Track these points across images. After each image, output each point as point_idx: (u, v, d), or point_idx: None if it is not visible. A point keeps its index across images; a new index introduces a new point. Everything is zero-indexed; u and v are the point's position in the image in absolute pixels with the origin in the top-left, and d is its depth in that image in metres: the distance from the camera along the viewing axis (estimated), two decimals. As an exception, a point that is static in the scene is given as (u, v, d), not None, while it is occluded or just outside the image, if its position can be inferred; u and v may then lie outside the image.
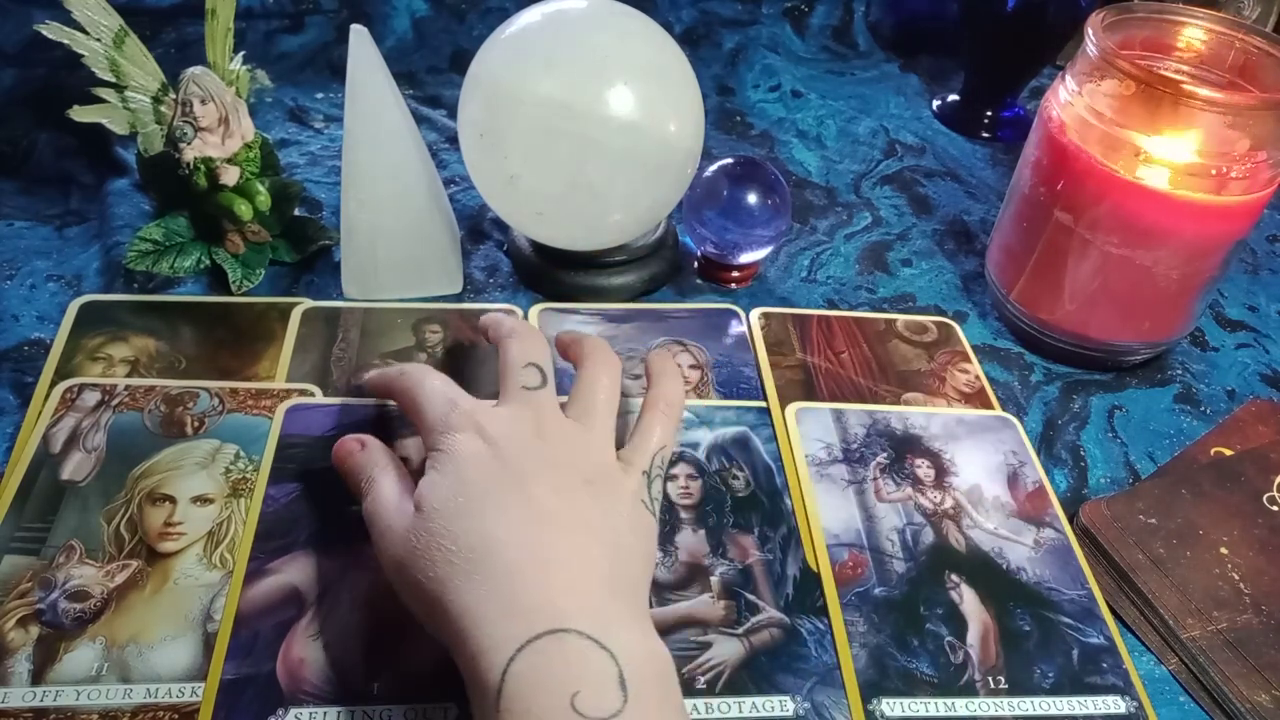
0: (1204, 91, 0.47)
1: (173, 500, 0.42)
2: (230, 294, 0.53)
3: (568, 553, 0.32)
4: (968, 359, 0.55)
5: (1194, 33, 0.53)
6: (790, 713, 0.37)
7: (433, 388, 0.38)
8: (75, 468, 0.43)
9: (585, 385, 0.40)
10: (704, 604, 0.41)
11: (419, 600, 0.33)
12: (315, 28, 0.74)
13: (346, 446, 0.40)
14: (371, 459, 0.38)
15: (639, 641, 0.30)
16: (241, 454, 0.44)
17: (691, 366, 0.52)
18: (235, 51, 0.53)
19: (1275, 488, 0.47)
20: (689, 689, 0.38)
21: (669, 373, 0.43)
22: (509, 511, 0.33)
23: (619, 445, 0.39)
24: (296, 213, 0.57)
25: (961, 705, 0.39)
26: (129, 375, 0.48)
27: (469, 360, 0.51)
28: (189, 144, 0.50)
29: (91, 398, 0.46)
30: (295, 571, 0.40)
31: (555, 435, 0.36)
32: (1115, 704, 0.39)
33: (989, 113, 0.79)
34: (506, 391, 0.39)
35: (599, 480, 0.35)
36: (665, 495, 0.45)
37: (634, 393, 0.50)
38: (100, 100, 0.51)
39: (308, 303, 0.53)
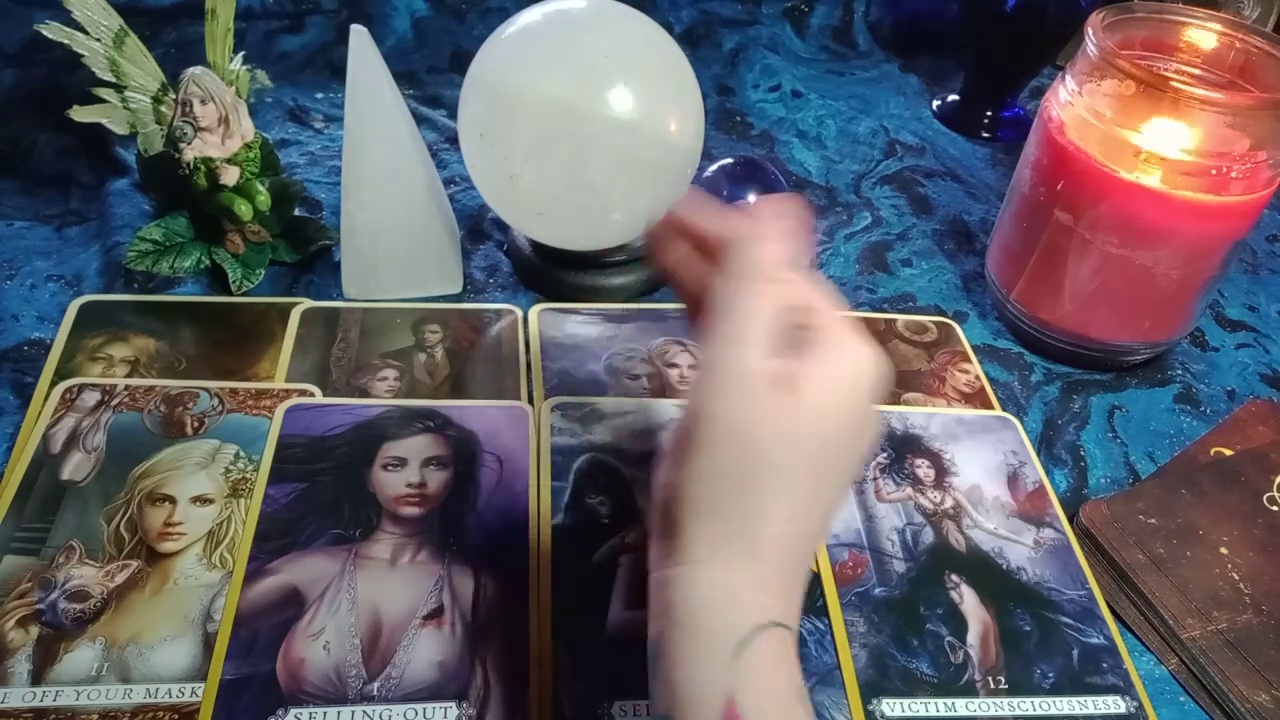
0: (1204, 91, 0.47)
1: (173, 500, 0.42)
2: (230, 294, 0.53)
3: (806, 561, 0.31)
4: (968, 359, 0.55)
5: (1194, 33, 0.53)
6: (790, 713, 0.37)
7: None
8: (75, 468, 0.43)
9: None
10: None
11: (707, 452, 0.29)
12: (315, 28, 0.74)
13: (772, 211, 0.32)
14: (776, 263, 0.31)
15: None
16: (241, 454, 0.44)
17: (691, 366, 0.52)
18: (235, 51, 0.53)
19: (1275, 488, 0.47)
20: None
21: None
22: (813, 512, 0.30)
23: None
24: (296, 213, 0.57)
25: (961, 705, 0.39)
26: (129, 375, 0.48)
27: (469, 360, 0.51)
28: (189, 144, 0.50)
29: (91, 398, 0.46)
30: (295, 571, 0.40)
31: (859, 455, 0.33)
32: (1115, 704, 0.39)
33: (989, 113, 0.79)
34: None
35: (842, 504, 0.35)
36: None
37: (635, 392, 0.50)
38: (100, 100, 0.51)
39: (308, 303, 0.53)
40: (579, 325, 0.54)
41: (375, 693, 0.36)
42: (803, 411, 0.29)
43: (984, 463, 0.48)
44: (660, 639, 0.29)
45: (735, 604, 0.28)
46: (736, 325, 0.30)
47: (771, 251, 0.32)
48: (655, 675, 0.29)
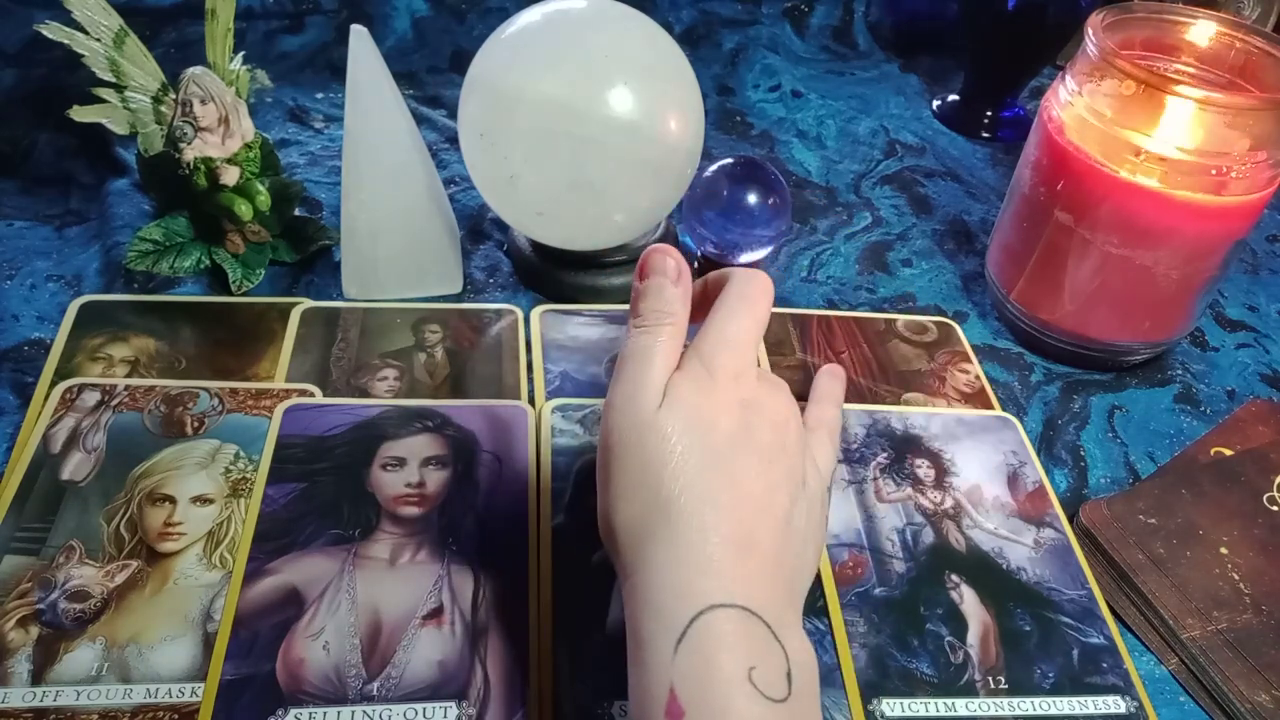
0: (1204, 92, 0.47)
1: (173, 500, 0.42)
2: (230, 294, 0.53)
3: (770, 547, 0.32)
4: (968, 359, 0.55)
5: (1194, 33, 0.53)
6: (790, 713, 0.37)
7: (745, 320, 0.35)
8: (75, 468, 0.43)
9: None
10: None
11: (626, 478, 0.32)
12: (315, 28, 0.74)
13: (661, 265, 0.36)
14: (671, 304, 0.35)
15: (802, 644, 0.31)
16: (241, 454, 0.44)
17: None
18: (235, 51, 0.53)
19: (1275, 488, 0.47)
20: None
21: (831, 400, 0.43)
22: (738, 481, 0.32)
23: None
24: (296, 213, 0.57)
25: (961, 705, 0.39)
26: (129, 375, 0.48)
27: (469, 360, 0.51)
28: (189, 144, 0.50)
29: (91, 398, 0.46)
30: (295, 571, 0.40)
31: (797, 431, 0.35)
32: (1115, 704, 0.39)
33: (989, 113, 0.79)
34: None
35: (809, 482, 0.35)
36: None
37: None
38: (100, 100, 0.51)
39: (308, 303, 0.53)
40: (580, 327, 0.54)
41: (375, 693, 0.36)
42: (676, 410, 0.32)
43: (984, 463, 0.48)
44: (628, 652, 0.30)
45: (677, 598, 0.29)
46: (636, 369, 0.33)
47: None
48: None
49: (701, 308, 0.37)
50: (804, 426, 0.37)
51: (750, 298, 0.35)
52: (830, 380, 0.44)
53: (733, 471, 0.32)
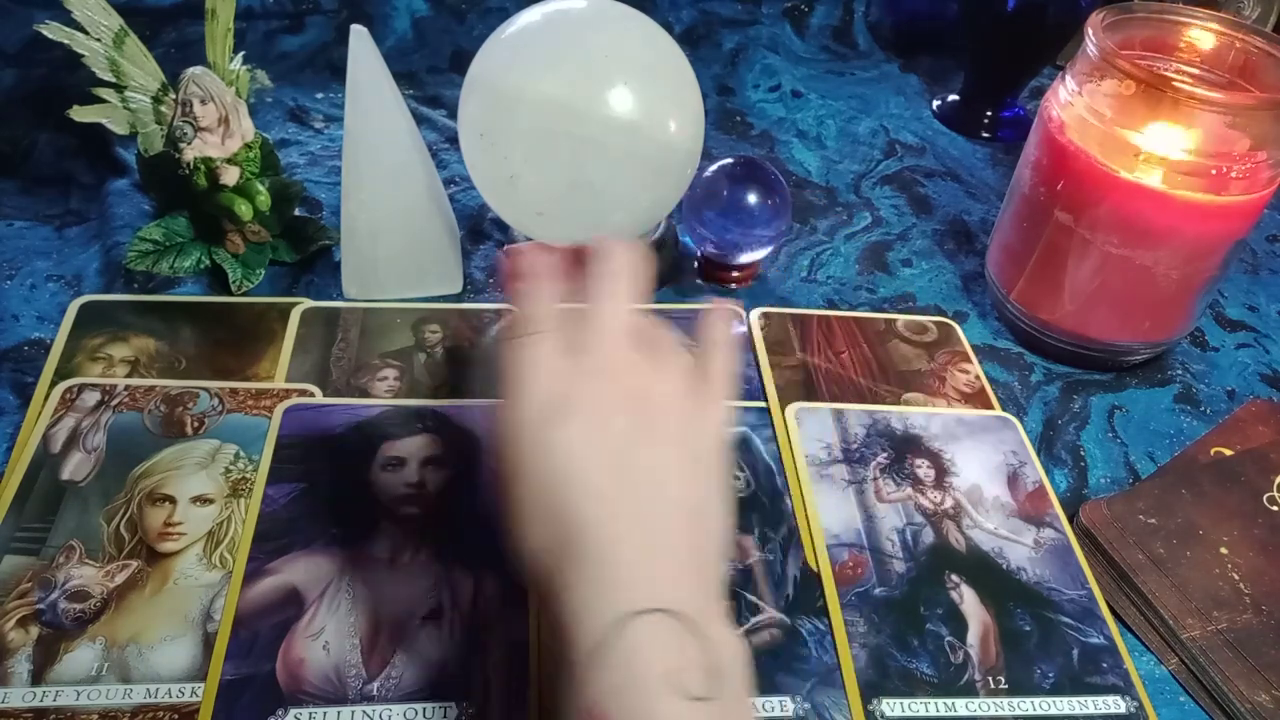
0: (1204, 91, 0.47)
1: (173, 500, 0.42)
2: (230, 294, 0.53)
3: (681, 541, 0.31)
4: (968, 359, 0.55)
5: (1194, 33, 0.53)
6: (790, 713, 0.37)
7: (617, 306, 0.34)
8: (75, 468, 0.43)
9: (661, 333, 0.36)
10: (704, 604, 0.41)
11: (528, 504, 0.31)
12: (315, 28, 0.74)
13: (526, 267, 0.35)
14: (543, 309, 0.34)
15: (727, 635, 0.30)
16: (241, 454, 0.44)
17: (691, 366, 0.52)
18: (235, 51, 0.53)
19: (1275, 488, 0.47)
20: (689, 689, 0.37)
21: (721, 346, 0.38)
22: (640, 480, 0.31)
23: None
24: (296, 213, 0.57)
25: (961, 705, 0.39)
26: (129, 375, 0.48)
27: (469, 360, 0.51)
28: (189, 144, 0.50)
29: (91, 398, 0.46)
30: (295, 571, 0.40)
31: (687, 404, 0.34)
32: (1115, 704, 0.39)
33: (989, 113, 0.79)
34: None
35: (705, 455, 0.34)
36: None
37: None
38: (100, 100, 0.51)
39: (308, 303, 0.53)
40: (579, 325, 0.54)
41: (375, 692, 0.36)
42: (567, 421, 0.31)
43: (984, 463, 0.48)
44: None
45: (593, 614, 0.29)
46: (519, 387, 0.32)
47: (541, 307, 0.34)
48: None
49: (578, 270, 0.36)
50: (697, 380, 0.35)
51: (612, 274, 0.34)
52: (716, 323, 0.39)
53: (634, 471, 0.31)
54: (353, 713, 0.35)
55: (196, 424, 0.45)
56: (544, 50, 0.47)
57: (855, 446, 0.48)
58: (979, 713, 0.38)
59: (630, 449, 0.32)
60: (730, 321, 0.41)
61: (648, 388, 0.33)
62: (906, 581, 0.43)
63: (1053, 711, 0.39)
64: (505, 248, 0.35)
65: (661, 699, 0.27)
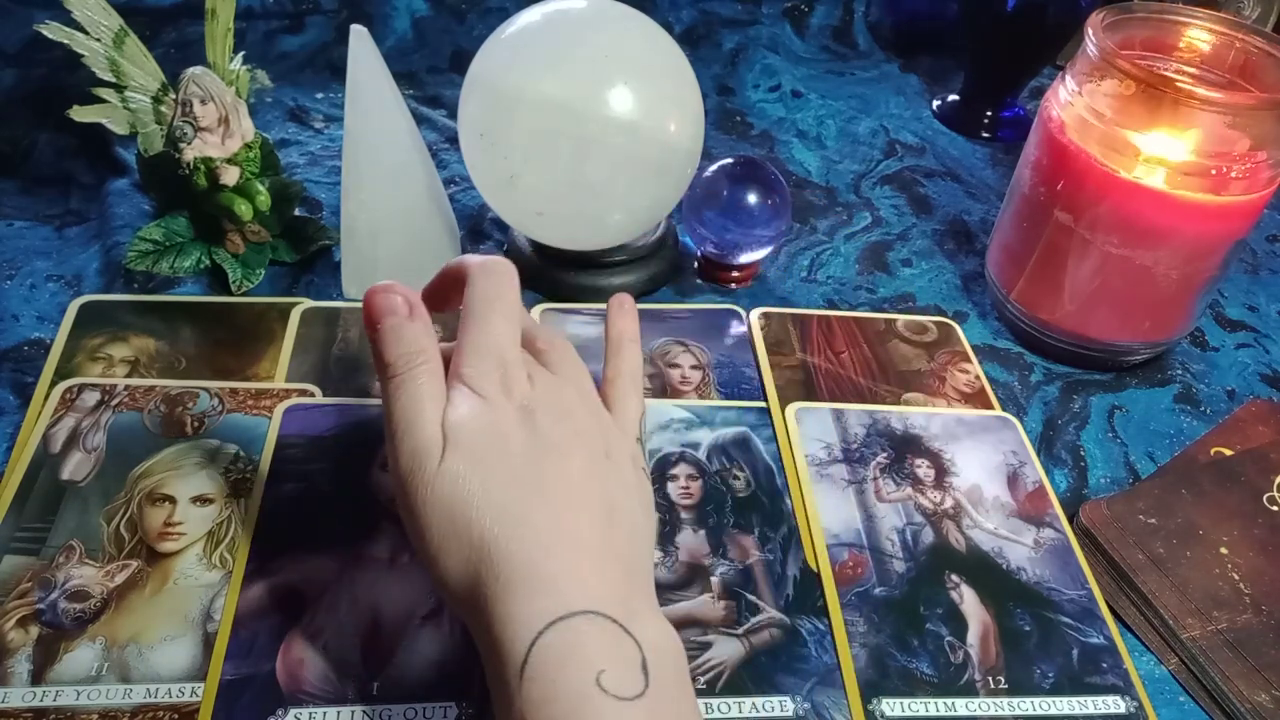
0: (1204, 91, 0.47)
1: (172, 500, 0.42)
2: (230, 294, 0.53)
3: (597, 542, 0.32)
4: (968, 359, 0.55)
5: (1194, 33, 0.53)
6: (790, 713, 0.37)
7: (495, 322, 0.34)
8: (75, 468, 0.43)
9: (552, 339, 0.37)
10: (704, 604, 0.41)
11: (436, 536, 0.31)
12: (315, 28, 0.74)
13: (388, 304, 0.34)
14: (417, 342, 0.33)
15: (657, 629, 0.30)
16: (241, 454, 0.44)
17: (693, 367, 0.52)
18: (235, 51, 0.53)
19: (1275, 488, 0.47)
20: (689, 689, 0.38)
21: (627, 341, 0.40)
22: (545, 488, 0.32)
23: None
24: (296, 213, 0.57)
25: (961, 705, 0.39)
26: (129, 375, 0.48)
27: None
28: (189, 144, 0.50)
29: (91, 398, 0.46)
30: (295, 571, 0.40)
31: (586, 405, 0.35)
32: (1115, 704, 0.39)
33: (989, 113, 0.79)
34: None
35: (614, 452, 0.34)
36: (666, 495, 0.45)
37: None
38: (100, 100, 0.51)
39: (308, 303, 0.53)
40: (580, 326, 0.54)
41: (375, 692, 0.36)
42: (460, 449, 0.31)
43: (984, 463, 0.48)
44: None
45: (516, 627, 0.29)
46: (407, 423, 0.32)
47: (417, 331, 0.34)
48: None
49: (445, 297, 0.36)
50: (603, 382, 0.37)
51: (490, 295, 0.34)
52: (620, 318, 0.40)
53: (538, 483, 0.31)
54: (353, 713, 0.35)
55: (196, 424, 0.45)
56: (544, 50, 0.47)
57: (855, 446, 0.48)
58: (979, 713, 0.38)
59: (531, 462, 0.32)
60: (633, 314, 0.41)
61: (539, 400, 0.33)
62: (906, 581, 0.43)
63: (1052, 711, 0.39)
64: (375, 286, 0.34)
65: (589, 703, 0.27)
